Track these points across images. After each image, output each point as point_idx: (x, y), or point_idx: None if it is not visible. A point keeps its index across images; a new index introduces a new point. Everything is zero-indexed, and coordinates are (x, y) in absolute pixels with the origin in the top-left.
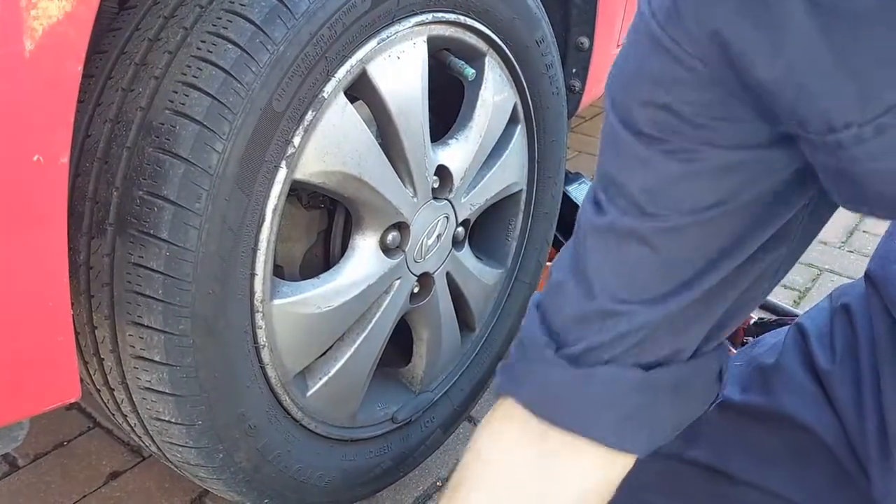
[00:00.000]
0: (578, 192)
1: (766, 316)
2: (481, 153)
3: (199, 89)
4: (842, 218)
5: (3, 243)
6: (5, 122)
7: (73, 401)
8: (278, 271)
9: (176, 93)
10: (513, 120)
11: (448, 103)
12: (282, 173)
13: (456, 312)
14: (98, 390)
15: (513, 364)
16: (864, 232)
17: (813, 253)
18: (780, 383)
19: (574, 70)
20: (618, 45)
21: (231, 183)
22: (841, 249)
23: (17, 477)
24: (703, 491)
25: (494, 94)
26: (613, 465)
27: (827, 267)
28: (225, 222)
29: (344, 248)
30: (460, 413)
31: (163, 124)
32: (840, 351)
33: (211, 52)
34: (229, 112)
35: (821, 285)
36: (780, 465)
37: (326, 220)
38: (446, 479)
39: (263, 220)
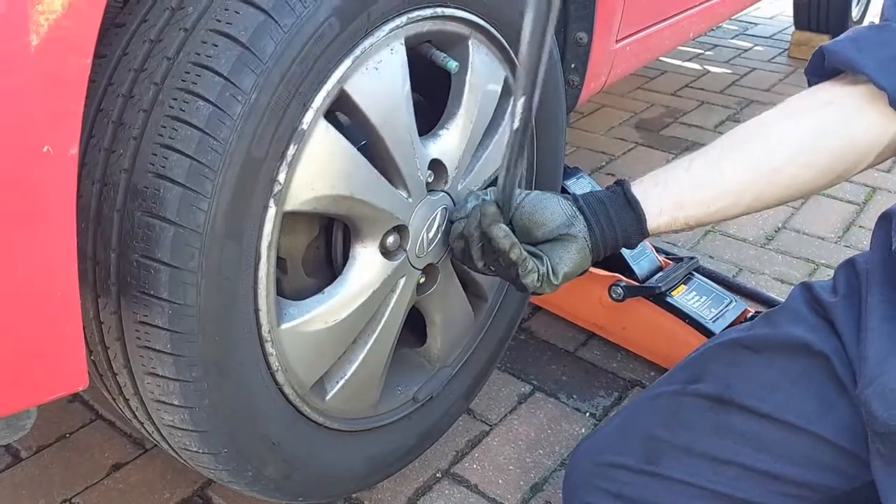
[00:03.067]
0: (576, 187)
1: (763, 309)
2: (474, 137)
3: (177, 151)
4: (839, 213)
5: (14, 233)
6: (17, 114)
7: (81, 389)
8: (282, 271)
9: (155, 155)
10: (506, 92)
11: (436, 83)
12: (271, 212)
13: (465, 287)
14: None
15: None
16: (860, 227)
17: (810, 248)
18: (785, 317)
19: (573, 65)
20: (616, 41)
21: (221, 237)
22: (837, 244)
23: (20, 469)
24: (704, 420)
25: (482, 78)
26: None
27: (823, 261)
28: (221, 273)
29: (346, 254)
30: (479, 380)
31: (147, 188)
32: (843, 290)
33: (184, 110)
34: (209, 170)
35: (817, 280)
36: (780, 389)
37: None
38: (447, 471)
39: (259, 258)
